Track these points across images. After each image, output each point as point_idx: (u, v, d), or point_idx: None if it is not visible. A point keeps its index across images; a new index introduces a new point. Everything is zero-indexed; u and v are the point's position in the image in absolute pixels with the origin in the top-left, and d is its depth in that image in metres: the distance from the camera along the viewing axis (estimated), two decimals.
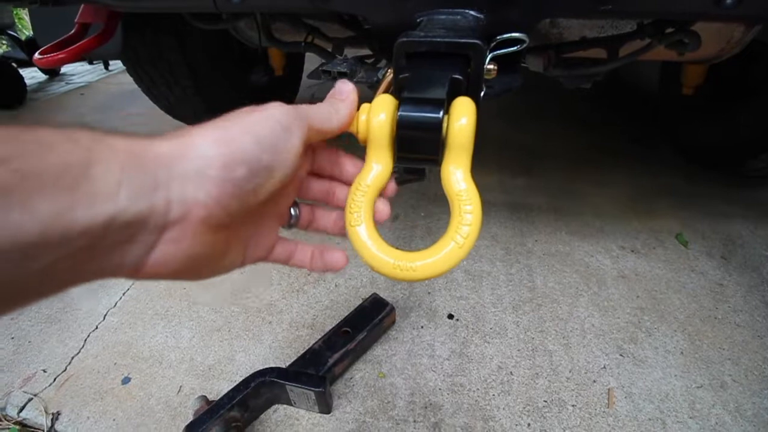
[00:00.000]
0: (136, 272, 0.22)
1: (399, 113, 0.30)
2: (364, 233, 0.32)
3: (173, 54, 1.08)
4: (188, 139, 0.23)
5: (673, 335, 0.80)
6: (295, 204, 0.34)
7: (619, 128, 1.65)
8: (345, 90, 0.33)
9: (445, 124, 0.31)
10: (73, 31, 0.74)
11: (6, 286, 0.17)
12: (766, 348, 0.78)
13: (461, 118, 0.31)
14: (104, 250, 0.20)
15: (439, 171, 0.34)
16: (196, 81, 1.18)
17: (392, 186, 0.34)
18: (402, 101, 0.31)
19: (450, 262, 0.31)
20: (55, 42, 0.72)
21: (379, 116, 0.32)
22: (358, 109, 0.34)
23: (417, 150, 0.32)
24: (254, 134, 0.24)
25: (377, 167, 0.33)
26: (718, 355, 0.77)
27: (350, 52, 0.76)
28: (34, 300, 0.19)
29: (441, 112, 0.30)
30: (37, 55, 0.69)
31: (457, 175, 0.33)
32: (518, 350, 0.77)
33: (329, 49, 0.70)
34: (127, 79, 1.32)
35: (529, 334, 0.80)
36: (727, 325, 0.82)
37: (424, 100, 0.31)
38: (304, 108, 0.28)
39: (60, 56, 0.67)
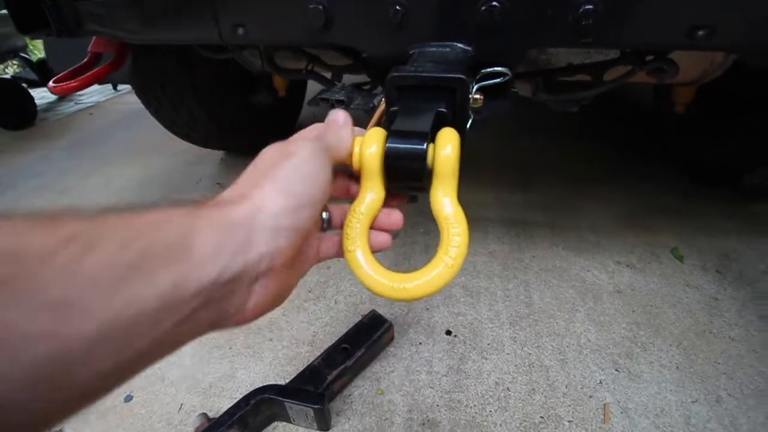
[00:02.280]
0: (240, 320, 0.27)
1: (387, 145, 0.33)
2: (360, 257, 0.35)
3: (179, 78, 1.13)
4: (257, 199, 0.27)
5: (668, 350, 0.81)
6: (325, 209, 0.38)
7: (615, 143, 1.67)
8: (340, 118, 0.36)
9: (431, 154, 0.34)
10: (85, 60, 0.78)
11: (137, 353, 0.20)
12: (762, 362, 0.78)
13: (445, 147, 0.33)
14: (213, 307, 0.24)
15: (428, 197, 0.37)
16: (202, 103, 1.22)
17: (399, 217, 0.37)
18: (390, 134, 0.34)
19: (440, 282, 0.33)
20: (69, 70, 0.76)
21: (370, 148, 0.35)
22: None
23: (404, 179, 0.34)
24: (302, 179, 0.29)
25: (371, 195, 0.36)
26: (714, 370, 0.77)
27: (348, 79, 0.79)
28: (156, 361, 0.22)
29: (425, 144, 0.32)
30: (51, 83, 0.72)
31: (444, 200, 0.35)
32: (515, 366, 0.78)
33: (328, 77, 0.74)
34: (134, 99, 1.36)
35: (526, 350, 0.81)
36: (722, 340, 0.83)
37: (410, 132, 0.33)
38: (323, 141, 0.33)
39: (73, 84, 0.71)
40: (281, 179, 0.28)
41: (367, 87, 0.73)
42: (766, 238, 1.11)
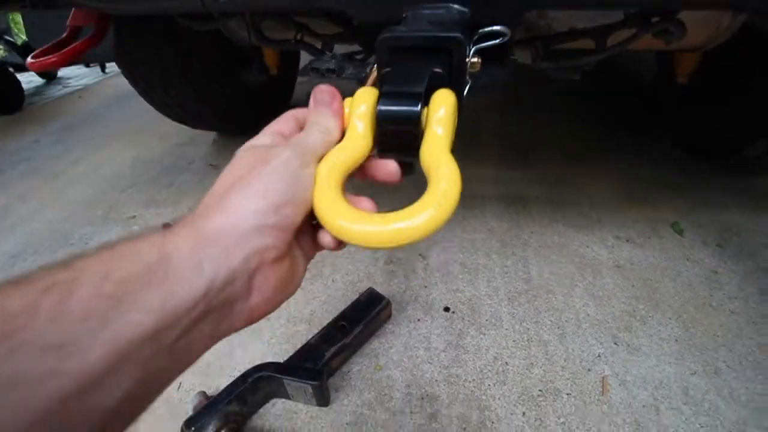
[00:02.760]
0: (248, 320, 0.27)
1: (378, 107, 0.31)
2: (328, 198, 0.28)
3: (167, 55, 1.09)
4: (233, 205, 0.26)
5: (667, 323, 0.81)
6: None
7: (613, 118, 1.64)
8: (326, 99, 0.33)
9: (424, 117, 0.32)
10: (64, 35, 0.74)
11: (152, 372, 0.21)
12: (761, 334, 0.78)
13: (440, 109, 0.31)
14: (215, 313, 0.24)
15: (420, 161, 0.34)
16: (192, 82, 1.19)
17: (394, 168, 0.32)
18: (381, 95, 0.32)
19: (429, 225, 0.26)
20: (47, 46, 0.72)
21: (359, 108, 0.33)
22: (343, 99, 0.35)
23: (396, 142, 0.32)
24: (283, 180, 0.27)
25: (354, 145, 0.32)
26: (713, 342, 0.77)
27: (340, 49, 0.76)
28: (173, 378, 0.24)
29: (419, 105, 0.30)
30: (29, 59, 0.69)
31: (435, 155, 0.30)
32: (513, 341, 0.78)
33: (319, 46, 0.71)
34: (123, 82, 1.32)
35: (525, 325, 0.81)
36: (721, 312, 0.83)
37: (403, 93, 0.31)
38: (306, 141, 0.31)
39: (52, 60, 0.68)
40: (257, 182, 0.27)
41: (359, 57, 0.70)
42: (766, 212, 1.10)
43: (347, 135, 0.33)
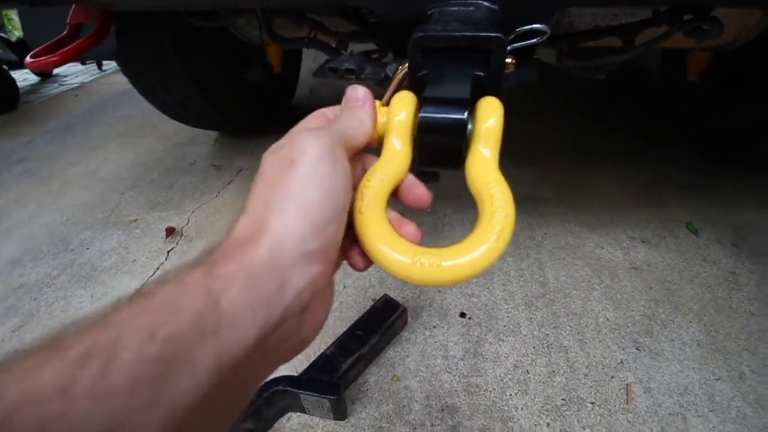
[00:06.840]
0: (299, 351, 0.26)
1: (420, 114, 0.28)
2: (376, 224, 0.27)
3: (170, 53, 1.05)
4: (275, 228, 0.23)
5: (688, 327, 0.79)
6: None
7: (623, 117, 1.62)
8: (360, 96, 0.31)
9: (469, 125, 0.29)
10: (65, 33, 0.71)
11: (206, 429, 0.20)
12: None
13: (489, 119, 0.29)
14: (266, 357, 0.22)
15: (462, 171, 0.32)
16: (194, 80, 1.15)
17: (425, 193, 0.30)
18: (423, 101, 0.29)
19: (487, 260, 0.25)
20: (47, 44, 0.69)
21: (399, 115, 0.30)
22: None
23: (439, 152, 0.30)
24: (316, 188, 0.24)
25: (396, 161, 0.30)
26: (735, 346, 0.75)
27: (353, 47, 0.73)
28: (232, 417, 0.22)
29: (465, 113, 0.28)
30: (28, 59, 0.66)
31: (484, 172, 0.30)
32: (533, 347, 0.76)
33: (333, 45, 0.68)
34: (121, 79, 1.29)
35: (544, 331, 0.79)
36: (742, 315, 0.81)
37: (447, 100, 0.29)
38: (335, 129, 0.27)
39: (52, 59, 0.64)
40: (292, 196, 0.23)
41: (374, 56, 0.67)
42: None
43: (387, 147, 0.30)
